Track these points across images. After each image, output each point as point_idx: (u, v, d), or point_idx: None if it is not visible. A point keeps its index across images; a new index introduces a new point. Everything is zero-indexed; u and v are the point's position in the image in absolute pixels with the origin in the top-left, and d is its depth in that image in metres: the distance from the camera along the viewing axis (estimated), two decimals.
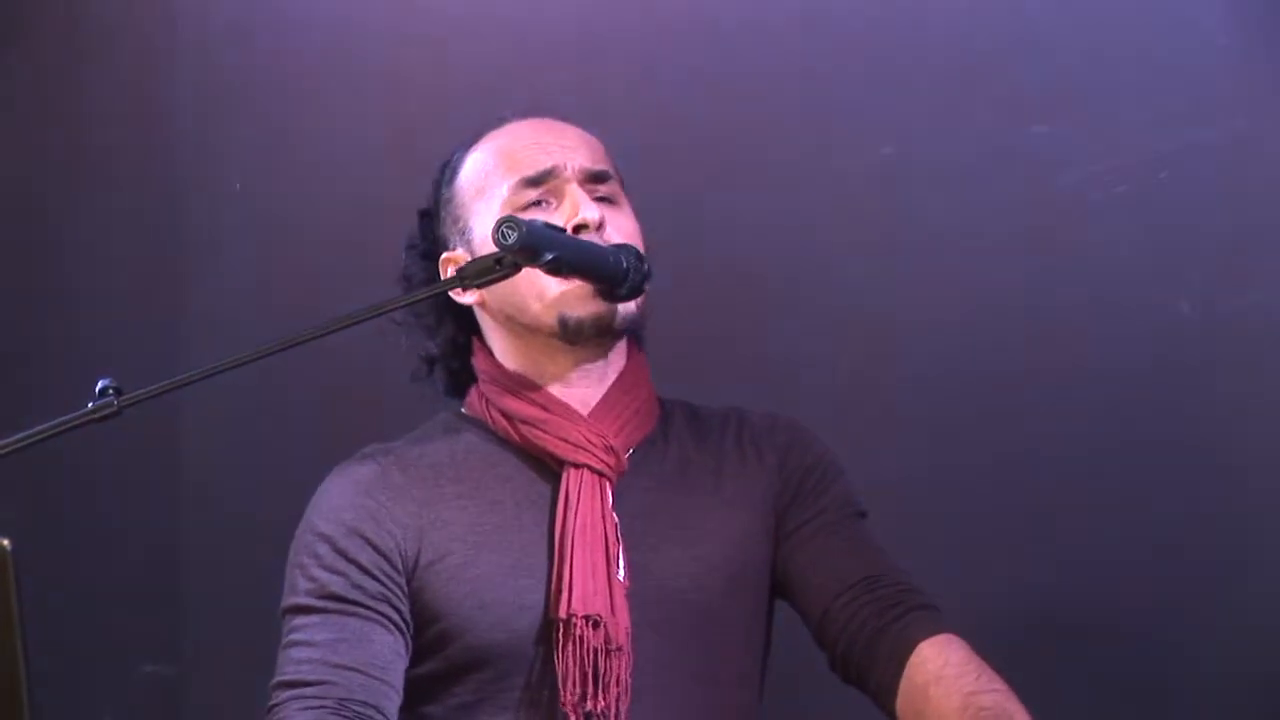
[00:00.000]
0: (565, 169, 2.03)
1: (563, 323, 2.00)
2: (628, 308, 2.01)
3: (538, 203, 2.03)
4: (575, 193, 2.02)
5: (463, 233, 2.08)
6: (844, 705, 2.06)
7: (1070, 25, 2.99)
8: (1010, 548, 2.94)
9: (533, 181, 2.03)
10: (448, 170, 2.12)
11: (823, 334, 3.04)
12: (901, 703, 1.90)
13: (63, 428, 1.70)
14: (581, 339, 2.01)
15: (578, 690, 1.93)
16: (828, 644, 1.99)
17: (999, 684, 1.85)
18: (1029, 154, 2.98)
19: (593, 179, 2.04)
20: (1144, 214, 2.93)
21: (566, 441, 2.01)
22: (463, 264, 2.06)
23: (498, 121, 2.12)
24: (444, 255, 2.11)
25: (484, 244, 2.03)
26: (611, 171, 2.08)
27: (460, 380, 2.15)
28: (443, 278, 2.10)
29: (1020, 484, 2.95)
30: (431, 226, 2.14)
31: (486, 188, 2.06)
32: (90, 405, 1.71)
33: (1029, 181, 2.98)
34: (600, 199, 2.04)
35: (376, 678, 1.92)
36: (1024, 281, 2.98)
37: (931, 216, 3.01)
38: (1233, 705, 2.86)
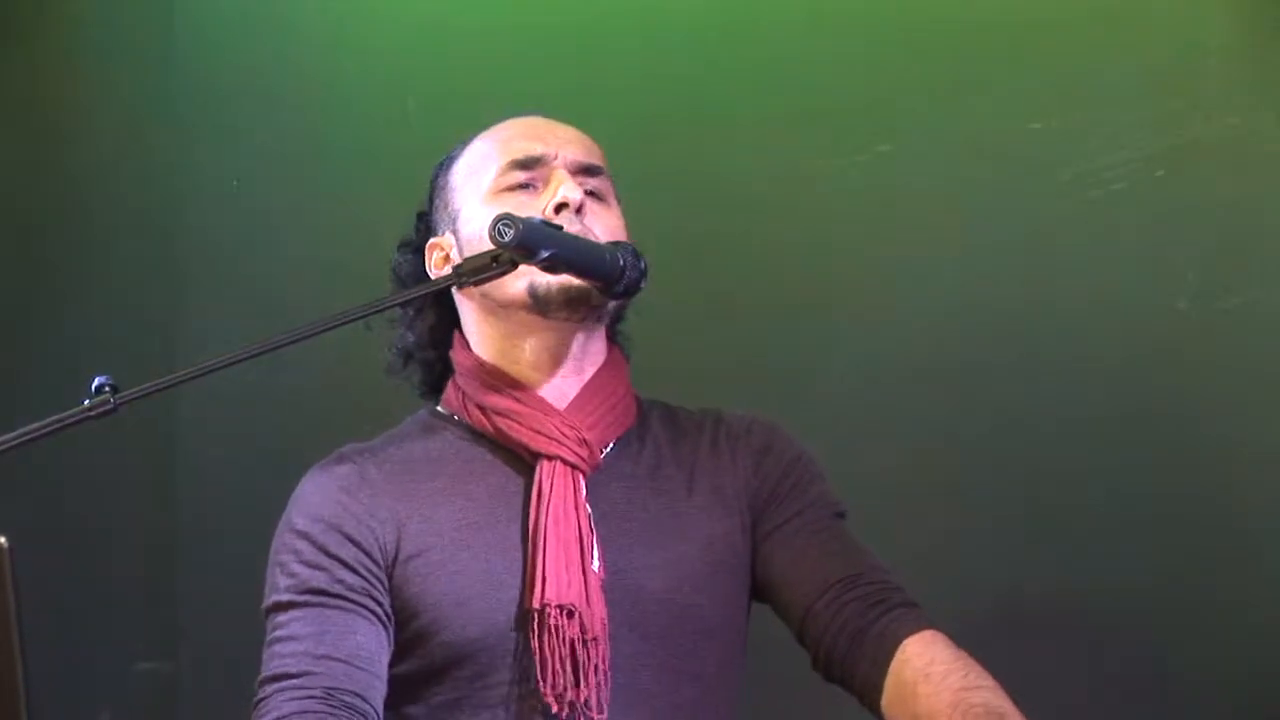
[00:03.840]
0: (555, 157, 2.04)
1: (532, 291, 1.99)
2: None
3: (525, 185, 2.03)
4: (562, 176, 2.03)
5: (452, 217, 2.09)
6: (829, 704, 2.06)
7: (1067, 23, 2.99)
8: (1006, 544, 2.95)
9: (522, 165, 2.04)
10: (447, 159, 2.14)
11: (820, 331, 3.05)
12: (888, 700, 1.89)
13: (59, 425, 1.69)
14: (551, 308, 2.00)
15: (559, 680, 1.92)
16: (810, 644, 1.99)
17: (988, 680, 1.85)
18: (1026, 151, 2.99)
19: (583, 171, 2.05)
20: (1141, 212, 2.94)
21: (540, 434, 2.01)
22: (448, 248, 2.08)
23: (498, 120, 2.14)
24: (430, 241, 2.12)
25: (468, 224, 2.05)
26: (604, 168, 2.08)
27: (435, 374, 2.15)
28: (428, 264, 2.11)
29: (1016, 480, 2.95)
30: (426, 223, 2.15)
31: (478, 170, 2.07)
32: (87, 403, 1.71)
33: (1026, 179, 2.99)
34: (588, 192, 2.04)
35: (362, 668, 1.92)
36: (1021, 278, 2.98)
37: (928, 213, 3.02)
38: (1229, 702, 2.86)
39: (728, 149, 3.09)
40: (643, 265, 2.00)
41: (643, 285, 2.02)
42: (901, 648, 1.90)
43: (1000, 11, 3.02)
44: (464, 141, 2.13)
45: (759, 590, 2.06)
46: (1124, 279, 2.94)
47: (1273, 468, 2.87)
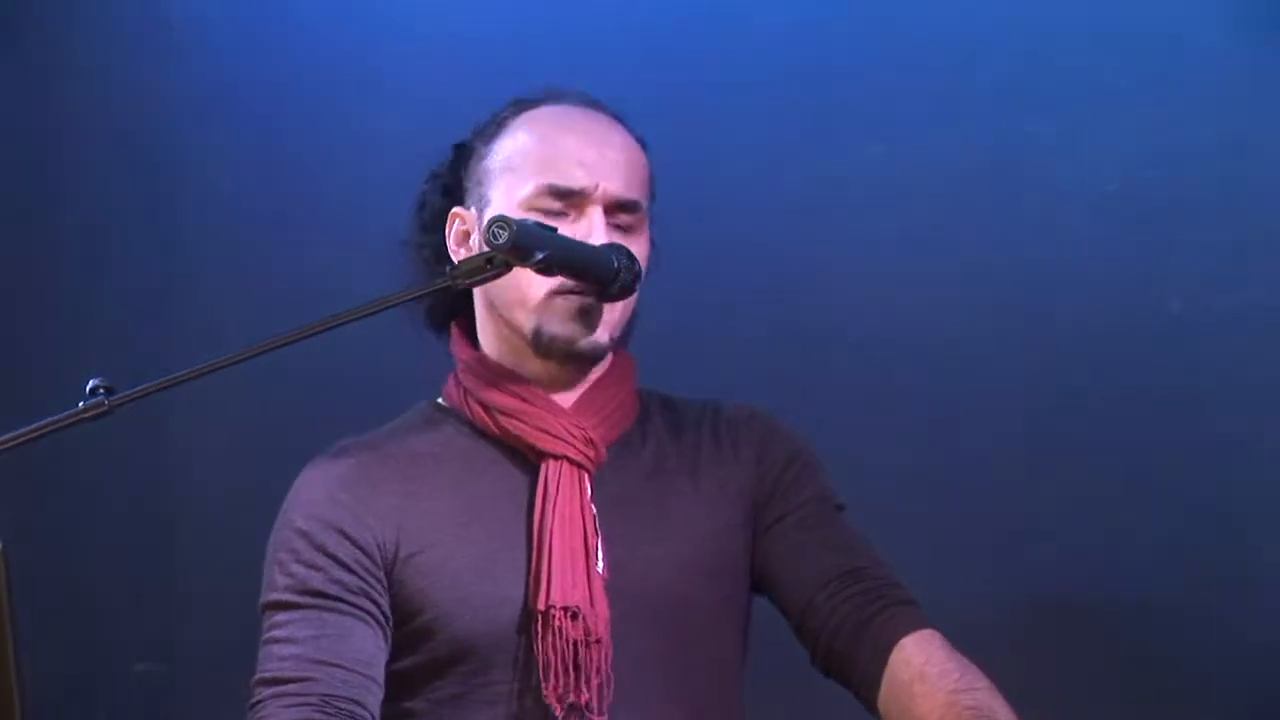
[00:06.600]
0: (594, 192, 2.00)
1: (536, 335, 2.00)
2: (600, 337, 2.00)
3: (557, 213, 2.00)
4: (594, 217, 2.00)
5: (480, 197, 2.06)
6: (828, 700, 2.06)
7: (1062, 25, 2.99)
8: (1001, 543, 2.95)
9: (559, 194, 2.00)
10: (494, 124, 2.09)
11: (815, 332, 3.05)
12: (885, 699, 1.90)
13: (54, 427, 1.69)
14: (553, 356, 2.01)
15: (561, 682, 1.93)
16: (809, 638, 2.00)
17: (983, 682, 1.86)
18: (1020, 152, 2.99)
19: (619, 207, 2.02)
20: (1135, 213, 2.94)
21: (546, 433, 2.00)
22: (470, 225, 2.06)
23: (557, 97, 2.09)
24: (454, 209, 2.10)
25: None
26: (642, 201, 2.05)
27: (438, 316, 2.13)
28: (448, 231, 2.09)
29: (1010, 479, 2.95)
30: (461, 164, 2.11)
31: (517, 170, 2.03)
32: (81, 404, 1.71)
33: (1020, 180, 2.99)
34: (618, 227, 2.02)
35: (358, 673, 1.92)
36: (1015, 279, 2.98)
37: (922, 215, 3.02)
38: (1229, 701, 2.86)
39: (723, 150, 3.09)
40: (636, 268, 2.00)
41: (636, 288, 2.02)
42: (899, 647, 1.91)
43: (995, 12, 3.02)
44: (517, 108, 2.08)
45: (758, 583, 2.07)
46: (1118, 279, 2.94)
47: (1268, 466, 2.87)
